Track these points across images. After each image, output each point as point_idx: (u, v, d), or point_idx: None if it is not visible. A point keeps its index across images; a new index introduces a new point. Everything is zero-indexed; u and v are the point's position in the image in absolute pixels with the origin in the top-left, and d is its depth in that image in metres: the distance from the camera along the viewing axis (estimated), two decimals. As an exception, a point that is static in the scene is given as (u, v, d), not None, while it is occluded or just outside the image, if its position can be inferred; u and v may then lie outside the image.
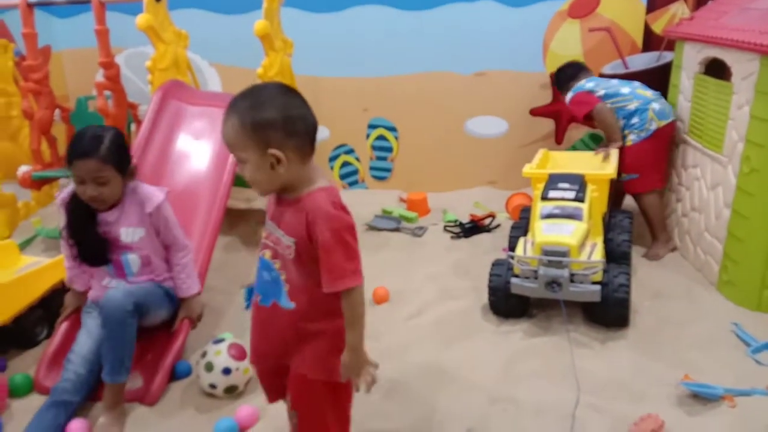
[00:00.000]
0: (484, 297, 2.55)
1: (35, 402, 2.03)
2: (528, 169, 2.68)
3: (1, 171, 3.23)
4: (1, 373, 2.14)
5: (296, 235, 1.33)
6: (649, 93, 2.98)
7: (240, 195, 3.77)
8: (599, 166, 2.82)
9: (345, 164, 4.15)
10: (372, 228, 3.45)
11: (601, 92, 3.00)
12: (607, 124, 2.95)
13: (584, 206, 2.43)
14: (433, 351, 2.28)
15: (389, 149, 4.09)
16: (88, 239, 2.04)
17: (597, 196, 2.54)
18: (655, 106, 2.92)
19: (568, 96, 3.12)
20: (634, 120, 2.94)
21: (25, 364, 2.23)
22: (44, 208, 3.58)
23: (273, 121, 1.28)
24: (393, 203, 3.82)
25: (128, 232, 2.06)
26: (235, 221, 3.45)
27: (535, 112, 3.85)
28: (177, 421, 1.96)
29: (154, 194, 2.08)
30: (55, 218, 3.48)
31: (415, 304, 2.64)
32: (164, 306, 2.15)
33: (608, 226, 2.67)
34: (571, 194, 2.46)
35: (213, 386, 2.00)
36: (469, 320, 2.50)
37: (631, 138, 2.95)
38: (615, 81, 3.07)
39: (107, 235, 2.05)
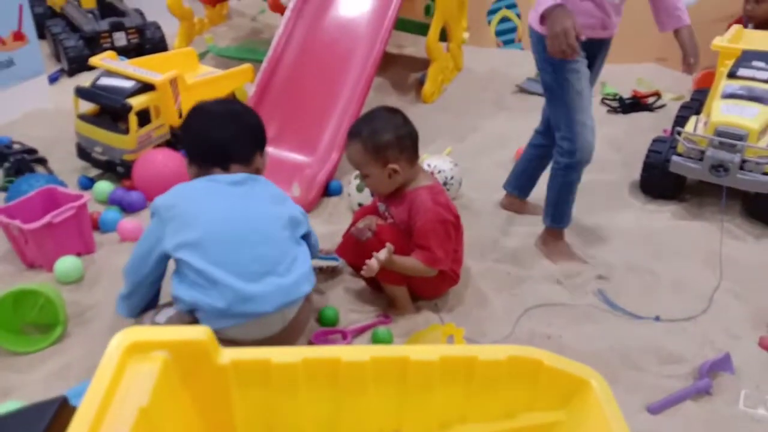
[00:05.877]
0: (635, 174, 2.45)
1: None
2: (719, 41, 2.40)
3: (182, -15, 3.41)
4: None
5: (402, 222, 1.69)
6: None
7: (391, 40, 3.74)
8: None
9: (504, 20, 3.94)
10: (522, 90, 3.33)
11: None
12: None
13: (777, 90, 2.18)
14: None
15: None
16: None
17: (795, 82, 2.26)
18: None
19: None
20: None
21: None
22: (216, 27, 3.78)
23: (389, 143, 1.63)
24: (548, 68, 3.62)
25: None
26: (386, 65, 3.47)
27: (734, -17, 3.35)
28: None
29: None
30: (225, 37, 3.70)
31: (559, 170, 2.59)
32: None
33: (796, 120, 2.39)
34: (765, 75, 2.20)
35: (360, 205, 2.16)
36: (615, 193, 2.43)
37: None
38: None
39: None
